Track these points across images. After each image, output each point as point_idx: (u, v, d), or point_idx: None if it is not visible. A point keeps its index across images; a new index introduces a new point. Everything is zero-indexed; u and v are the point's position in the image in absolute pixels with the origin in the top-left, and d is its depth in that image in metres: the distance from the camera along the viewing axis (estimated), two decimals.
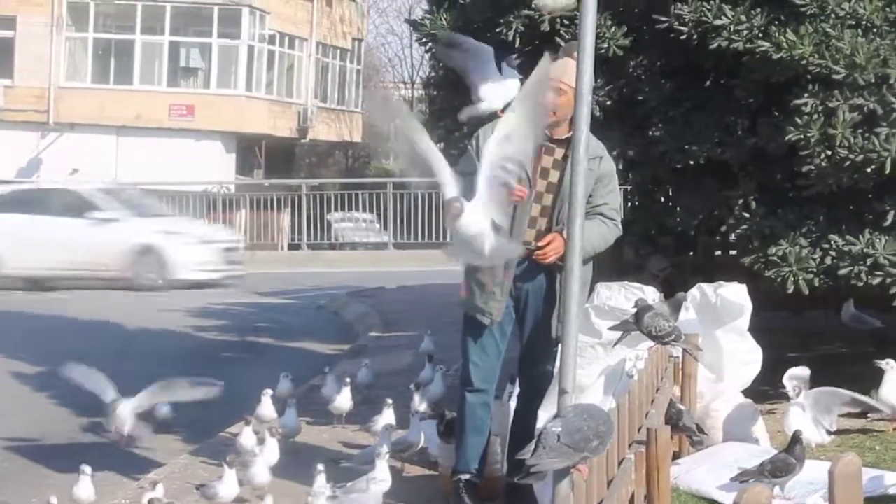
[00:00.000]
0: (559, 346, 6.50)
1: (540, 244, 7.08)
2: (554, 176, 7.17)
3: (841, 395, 8.18)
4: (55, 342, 16.09)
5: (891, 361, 8.66)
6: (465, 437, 7.45)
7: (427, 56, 11.19)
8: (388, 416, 8.87)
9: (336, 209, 33.98)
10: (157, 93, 38.01)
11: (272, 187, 36.08)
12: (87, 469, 7.93)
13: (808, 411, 8.15)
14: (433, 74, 11.35)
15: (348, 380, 9.99)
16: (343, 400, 9.82)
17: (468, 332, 7.39)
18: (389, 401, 9.14)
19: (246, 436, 8.70)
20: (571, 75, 6.83)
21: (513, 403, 7.77)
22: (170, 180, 34.20)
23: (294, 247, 33.92)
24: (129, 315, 18.57)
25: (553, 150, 7.18)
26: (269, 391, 9.57)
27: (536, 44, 9.37)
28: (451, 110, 10.30)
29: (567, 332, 6.20)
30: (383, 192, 32.81)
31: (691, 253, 11.88)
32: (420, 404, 9.31)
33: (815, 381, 8.74)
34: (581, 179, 6.17)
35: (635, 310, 7.12)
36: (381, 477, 7.19)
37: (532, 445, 5.02)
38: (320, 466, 7.25)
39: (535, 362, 7.40)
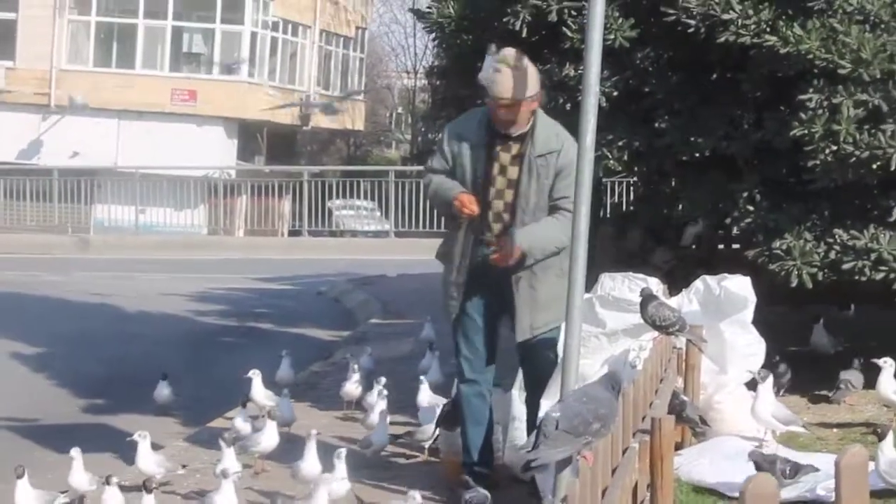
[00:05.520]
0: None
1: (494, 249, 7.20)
2: (513, 172, 7.27)
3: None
4: (53, 324, 16.07)
5: (888, 359, 8.66)
6: (466, 428, 7.58)
7: (431, 45, 11.19)
8: (381, 404, 8.84)
9: (337, 197, 33.94)
10: (160, 77, 37.93)
11: (273, 174, 36.00)
12: (77, 452, 7.75)
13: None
14: (436, 64, 11.32)
15: (356, 366, 10.01)
16: (352, 386, 9.86)
17: (456, 327, 7.52)
18: (382, 379, 9.13)
19: (241, 418, 8.70)
20: (515, 87, 7.00)
21: (515, 392, 7.79)
22: (171, 165, 34.19)
23: (295, 233, 33.87)
24: (128, 297, 18.54)
25: (510, 146, 7.27)
26: (258, 372, 9.54)
27: (543, 34, 9.36)
28: (453, 99, 10.29)
29: (570, 321, 6.23)
30: (385, 180, 32.72)
31: (693, 246, 11.86)
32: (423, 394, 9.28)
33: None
34: (588, 167, 6.20)
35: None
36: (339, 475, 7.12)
37: (533, 437, 4.96)
38: (342, 451, 7.26)
39: (529, 351, 7.42)
